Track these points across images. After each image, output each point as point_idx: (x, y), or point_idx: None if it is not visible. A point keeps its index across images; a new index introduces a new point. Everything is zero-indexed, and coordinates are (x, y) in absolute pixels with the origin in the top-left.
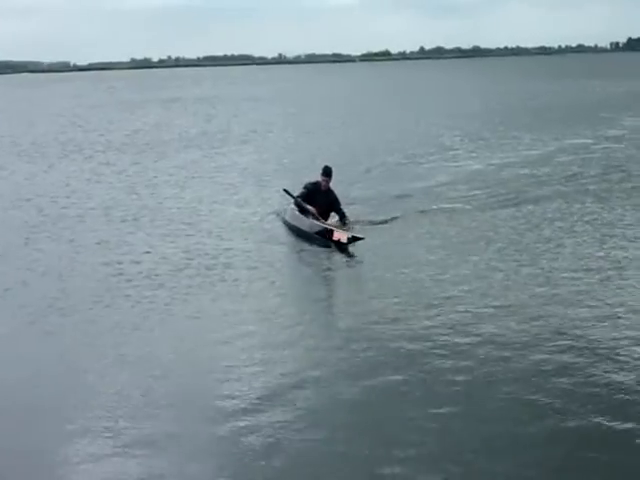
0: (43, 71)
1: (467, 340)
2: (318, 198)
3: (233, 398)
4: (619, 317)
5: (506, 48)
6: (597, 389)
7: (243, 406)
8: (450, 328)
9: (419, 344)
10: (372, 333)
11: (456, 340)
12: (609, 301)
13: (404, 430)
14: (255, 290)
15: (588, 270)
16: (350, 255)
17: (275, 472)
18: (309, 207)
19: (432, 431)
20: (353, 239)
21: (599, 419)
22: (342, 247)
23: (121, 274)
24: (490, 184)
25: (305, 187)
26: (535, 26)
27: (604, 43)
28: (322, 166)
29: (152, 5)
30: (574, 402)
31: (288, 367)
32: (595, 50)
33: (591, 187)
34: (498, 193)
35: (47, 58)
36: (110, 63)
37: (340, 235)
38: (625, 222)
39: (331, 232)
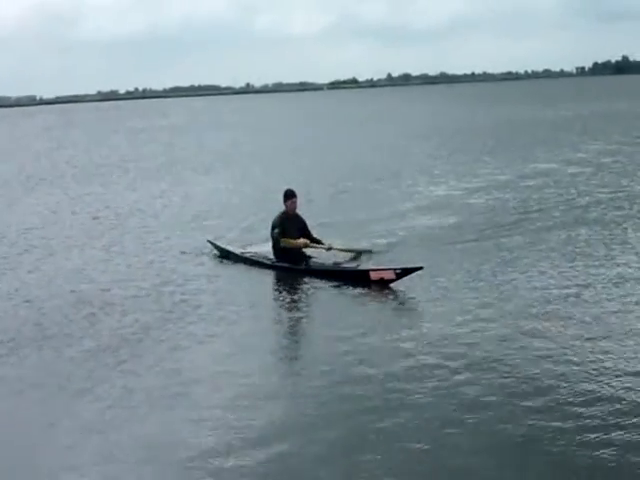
0: (11, 105)
1: (445, 362)
2: (291, 228)
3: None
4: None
5: (473, 74)
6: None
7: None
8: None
9: (397, 365)
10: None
11: (433, 361)
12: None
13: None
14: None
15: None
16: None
17: None
18: (299, 241)
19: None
20: (403, 273)
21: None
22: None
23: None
24: (456, 210)
25: (276, 225)
26: (501, 52)
27: (570, 68)
28: (282, 191)
29: (116, 36)
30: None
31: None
32: (561, 75)
33: (556, 214)
34: (466, 221)
35: (14, 92)
36: (77, 96)
37: (382, 274)
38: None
39: (366, 273)
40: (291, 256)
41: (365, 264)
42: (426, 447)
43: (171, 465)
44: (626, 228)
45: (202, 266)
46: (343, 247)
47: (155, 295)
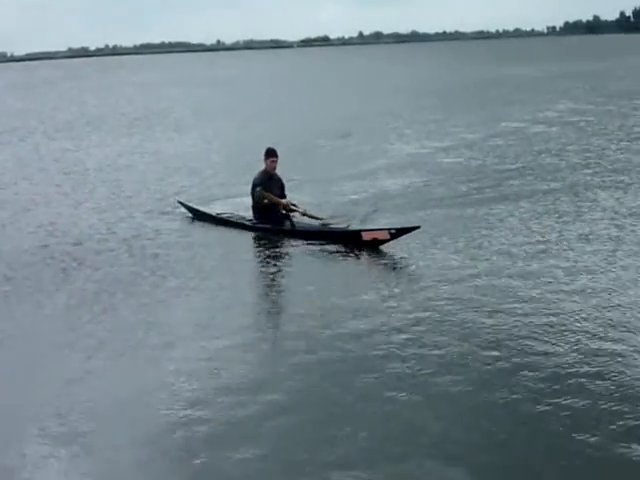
0: None
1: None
2: (272, 186)
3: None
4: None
5: (444, 33)
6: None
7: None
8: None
9: (376, 323)
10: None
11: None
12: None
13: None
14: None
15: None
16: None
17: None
18: (282, 200)
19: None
20: (399, 233)
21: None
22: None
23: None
24: (427, 169)
25: (258, 183)
26: (473, 11)
27: (541, 27)
28: (254, 149)
29: None
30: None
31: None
32: (532, 34)
33: (528, 173)
34: (438, 180)
35: None
36: (48, 53)
37: (376, 234)
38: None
39: (358, 234)
40: (273, 217)
41: (356, 225)
42: (402, 408)
43: (147, 415)
44: (595, 187)
45: (174, 222)
46: (318, 215)
47: (127, 249)
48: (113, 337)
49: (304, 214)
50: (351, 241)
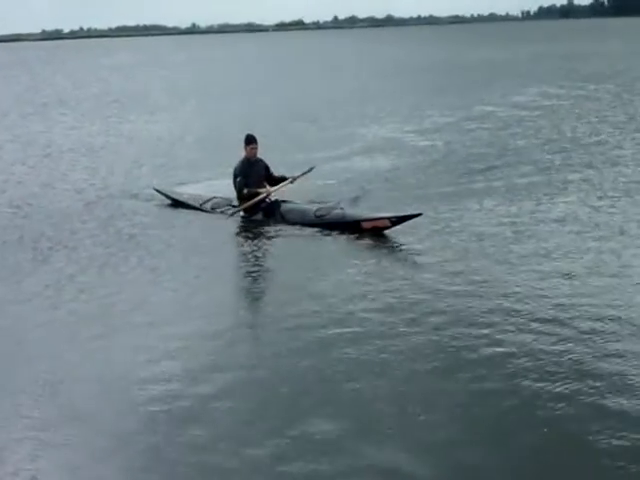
0: None
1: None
2: (253, 174)
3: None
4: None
5: (419, 17)
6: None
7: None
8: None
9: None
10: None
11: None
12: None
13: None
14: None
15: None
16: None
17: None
18: (262, 192)
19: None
20: (399, 220)
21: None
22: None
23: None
24: (402, 152)
25: (238, 173)
26: None
27: (515, 12)
28: (243, 136)
29: None
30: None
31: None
32: (506, 18)
33: (502, 156)
34: (414, 163)
35: None
36: (21, 35)
37: (376, 223)
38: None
39: (357, 223)
40: (260, 207)
41: (351, 210)
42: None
43: (125, 392)
44: (572, 169)
45: (151, 203)
46: (302, 173)
47: (103, 230)
48: (91, 317)
49: (293, 180)
50: (349, 230)
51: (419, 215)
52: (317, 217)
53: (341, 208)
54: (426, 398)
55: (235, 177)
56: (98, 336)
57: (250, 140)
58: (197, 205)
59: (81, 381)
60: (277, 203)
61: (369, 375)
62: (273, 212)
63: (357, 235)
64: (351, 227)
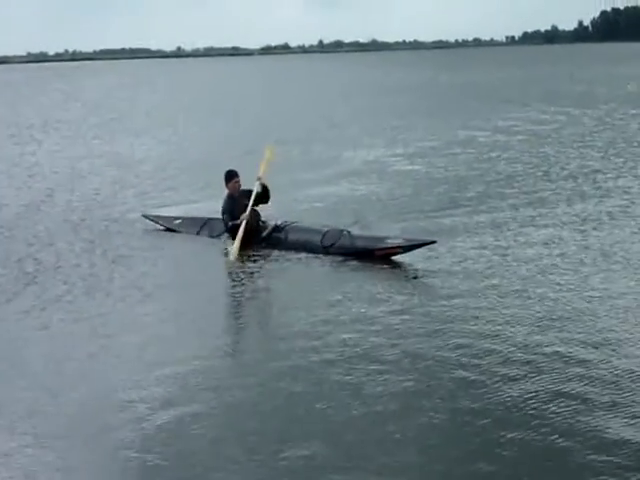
0: None
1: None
2: (239, 209)
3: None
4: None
5: (404, 42)
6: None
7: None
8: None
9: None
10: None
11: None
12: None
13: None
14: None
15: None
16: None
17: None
18: (243, 222)
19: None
20: (413, 247)
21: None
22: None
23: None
24: (386, 177)
25: (225, 210)
26: (432, 20)
27: (500, 37)
28: (223, 173)
29: None
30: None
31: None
32: (491, 43)
33: (487, 182)
34: (399, 189)
35: None
36: (6, 57)
37: (389, 251)
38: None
39: (370, 252)
40: (262, 236)
41: (359, 235)
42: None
43: (104, 414)
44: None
45: (137, 227)
46: (264, 164)
47: (89, 252)
48: (76, 338)
49: (258, 179)
50: (360, 257)
51: (433, 242)
52: (325, 247)
53: (348, 232)
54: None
55: (222, 214)
56: (83, 357)
57: (231, 176)
58: (193, 233)
59: (61, 403)
60: (281, 229)
61: (355, 401)
62: (278, 240)
63: (360, 259)
64: (363, 254)
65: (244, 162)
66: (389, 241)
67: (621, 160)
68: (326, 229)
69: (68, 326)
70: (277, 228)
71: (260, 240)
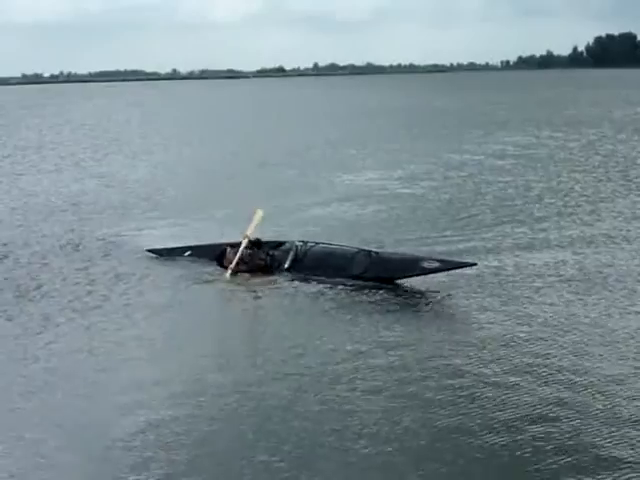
0: None
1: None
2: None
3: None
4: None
5: (399, 65)
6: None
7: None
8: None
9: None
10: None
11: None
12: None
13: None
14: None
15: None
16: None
17: None
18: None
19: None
20: (452, 267)
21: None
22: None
23: None
24: (387, 199)
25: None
26: (426, 44)
27: (495, 61)
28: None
29: (40, 19)
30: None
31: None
32: (486, 68)
33: (480, 205)
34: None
35: None
36: (1, 79)
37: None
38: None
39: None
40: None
41: (382, 250)
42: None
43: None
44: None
45: (129, 250)
46: (253, 225)
47: (81, 274)
48: (69, 358)
49: (245, 238)
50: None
51: (474, 265)
52: (355, 276)
53: (376, 253)
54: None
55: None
56: (76, 376)
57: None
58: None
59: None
60: (303, 255)
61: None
62: (302, 268)
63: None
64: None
65: (231, 186)
66: (425, 264)
67: None
68: (351, 251)
69: (60, 346)
70: (298, 255)
71: (284, 270)
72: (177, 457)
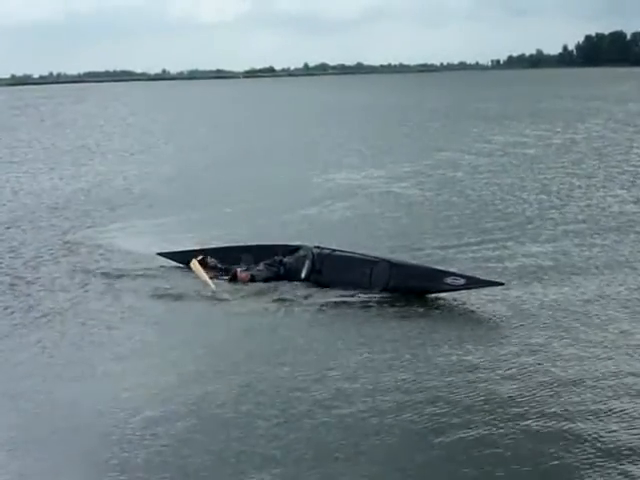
0: None
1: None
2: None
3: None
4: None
5: (389, 65)
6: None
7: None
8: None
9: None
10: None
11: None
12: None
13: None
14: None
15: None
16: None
17: None
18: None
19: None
20: (473, 287)
21: None
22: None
23: None
24: (374, 198)
25: None
26: (416, 44)
27: (485, 61)
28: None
29: (29, 20)
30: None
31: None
32: (477, 67)
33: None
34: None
35: None
36: None
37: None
38: None
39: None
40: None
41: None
42: None
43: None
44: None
45: (125, 252)
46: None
47: (75, 275)
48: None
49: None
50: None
51: (501, 284)
52: (375, 287)
53: (396, 265)
54: None
55: None
56: (73, 380)
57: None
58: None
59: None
60: (321, 265)
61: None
62: (319, 280)
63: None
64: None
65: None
66: (449, 280)
67: None
68: (371, 261)
69: (55, 350)
70: (315, 265)
71: (300, 279)
72: (175, 461)
